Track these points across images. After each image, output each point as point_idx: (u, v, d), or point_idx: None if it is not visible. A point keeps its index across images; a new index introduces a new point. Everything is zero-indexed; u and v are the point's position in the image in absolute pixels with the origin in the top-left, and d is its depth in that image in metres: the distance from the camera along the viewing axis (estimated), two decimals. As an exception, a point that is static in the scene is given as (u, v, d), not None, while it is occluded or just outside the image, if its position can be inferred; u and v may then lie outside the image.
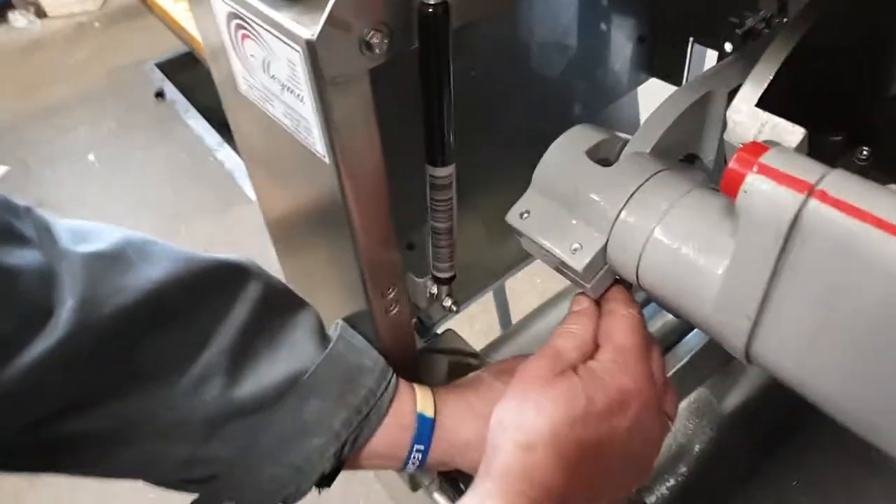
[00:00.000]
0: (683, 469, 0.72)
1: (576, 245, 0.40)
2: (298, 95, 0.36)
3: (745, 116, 0.36)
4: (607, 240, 0.39)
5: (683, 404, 0.74)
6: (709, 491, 0.70)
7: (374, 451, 0.45)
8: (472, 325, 1.64)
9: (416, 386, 0.47)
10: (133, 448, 0.41)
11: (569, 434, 0.39)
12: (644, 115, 0.83)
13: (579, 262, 0.40)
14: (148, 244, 0.41)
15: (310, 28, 0.32)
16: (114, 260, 0.39)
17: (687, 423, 0.73)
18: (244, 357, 0.42)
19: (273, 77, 0.38)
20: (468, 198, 0.63)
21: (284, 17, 0.34)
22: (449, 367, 0.69)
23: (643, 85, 0.79)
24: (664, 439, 0.45)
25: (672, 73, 0.76)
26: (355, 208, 0.39)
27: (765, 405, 0.74)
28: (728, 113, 0.37)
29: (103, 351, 0.38)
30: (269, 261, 0.54)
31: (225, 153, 2.46)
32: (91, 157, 2.53)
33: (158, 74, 2.82)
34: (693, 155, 0.46)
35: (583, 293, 0.45)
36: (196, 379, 0.40)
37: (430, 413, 0.46)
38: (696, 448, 0.73)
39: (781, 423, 0.72)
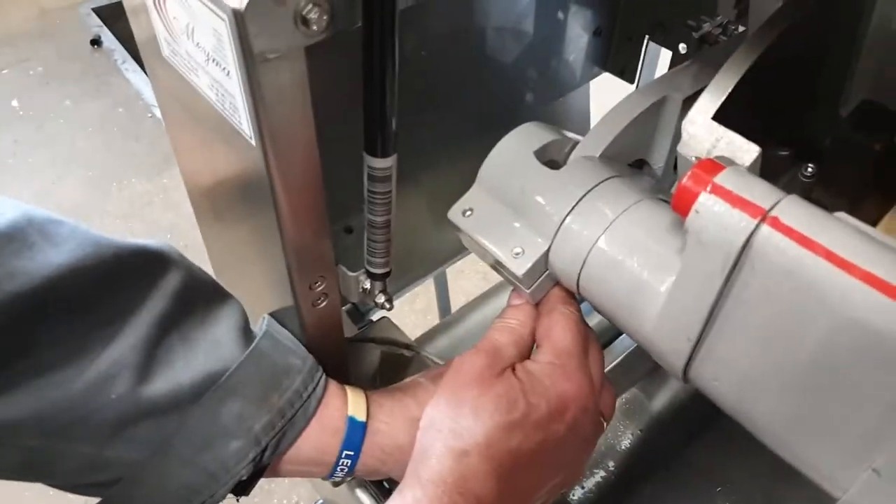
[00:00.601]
0: (610, 468, 0.72)
1: (518, 249, 0.38)
2: (224, 69, 0.33)
3: (701, 129, 0.34)
4: (550, 245, 0.38)
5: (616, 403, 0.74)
6: (633, 491, 0.71)
7: (299, 457, 0.42)
8: (413, 303, 1.61)
9: (348, 388, 0.44)
10: (25, 447, 0.37)
11: (505, 441, 0.37)
12: (595, 110, 0.82)
13: (520, 268, 0.38)
14: (53, 224, 0.36)
15: (238, -5, 0.29)
16: (10, 240, 0.34)
17: (617, 423, 0.73)
18: (158, 352, 0.38)
19: (198, 45, 0.34)
20: (412, 180, 0.61)
21: (211, -20, 0.30)
22: (381, 357, 0.67)
23: (595, 79, 0.77)
24: (598, 439, 0.44)
25: (626, 70, 0.75)
26: (283, 195, 0.36)
27: (695, 407, 0.75)
28: (683, 124, 0.35)
29: None
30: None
31: (163, 110, 2.35)
32: (14, 102, 2.37)
33: (95, 20, 2.66)
34: (642, 160, 0.45)
35: (519, 292, 0.43)
36: (101, 374, 0.36)
37: (361, 417, 0.43)
38: (624, 447, 0.73)
39: (710, 427, 0.72)
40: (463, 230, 0.40)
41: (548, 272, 0.39)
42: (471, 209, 0.40)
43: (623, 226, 0.36)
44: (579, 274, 0.37)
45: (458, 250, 0.73)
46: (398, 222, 0.42)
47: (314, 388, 0.42)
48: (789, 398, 0.30)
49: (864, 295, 0.26)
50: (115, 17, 2.67)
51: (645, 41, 0.72)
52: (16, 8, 2.75)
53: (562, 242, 0.37)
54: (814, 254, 0.27)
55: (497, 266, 0.41)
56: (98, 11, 2.69)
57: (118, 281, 0.38)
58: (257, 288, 0.48)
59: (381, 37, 0.31)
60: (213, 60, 0.33)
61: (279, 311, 0.45)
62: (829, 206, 0.46)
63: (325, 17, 0.30)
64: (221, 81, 0.34)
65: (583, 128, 0.79)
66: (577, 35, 0.71)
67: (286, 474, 0.43)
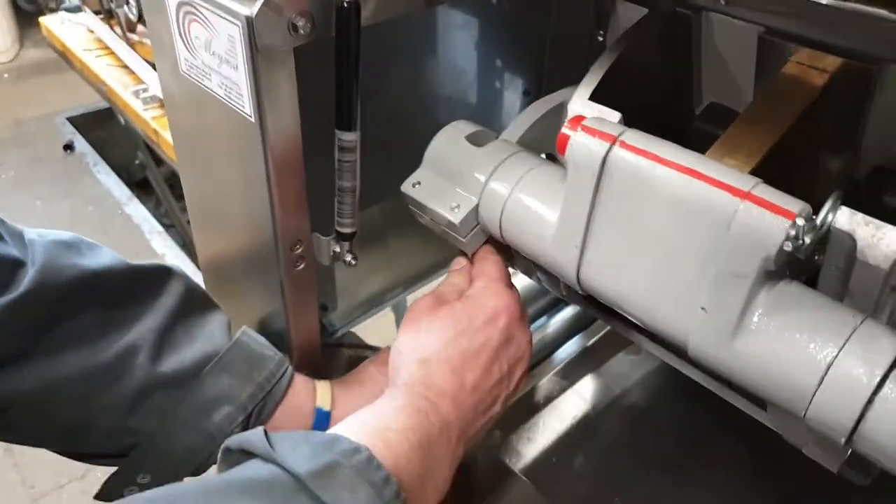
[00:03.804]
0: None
1: (454, 205, 0.50)
2: (234, 65, 0.45)
3: (580, 106, 0.48)
4: (478, 201, 0.50)
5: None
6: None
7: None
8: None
9: (317, 382, 0.56)
10: (63, 414, 0.47)
11: (455, 345, 0.48)
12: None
13: (457, 217, 0.50)
14: (96, 244, 0.51)
15: (249, 8, 0.42)
16: (70, 246, 0.49)
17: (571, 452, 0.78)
18: (168, 337, 0.50)
19: (213, 53, 0.47)
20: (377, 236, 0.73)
21: (227, 0, 0.43)
22: (348, 360, 0.76)
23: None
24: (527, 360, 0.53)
25: (551, 122, 0.91)
26: (273, 164, 0.48)
27: (652, 439, 0.81)
28: (568, 105, 0.49)
29: (54, 311, 0.46)
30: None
31: (134, 207, 2.45)
32: (-13, 204, 2.45)
33: (69, 128, 2.81)
34: (552, 155, 0.58)
35: (460, 258, 0.55)
36: (128, 346, 0.48)
37: (327, 407, 0.54)
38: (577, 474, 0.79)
39: (665, 458, 0.78)
40: (413, 198, 0.52)
41: (479, 226, 0.51)
42: (419, 182, 0.53)
43: (528, 181, 0.49)
44: (500, 220, 0.49)
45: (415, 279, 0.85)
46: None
47: (284, 371, 0.53)
48: (645, 273, 0.41)
49: (680, 179, 0.38)
50: (88, 125, 2.83)
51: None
52: (-9, 119, 2.89)
53: (487, 197, 0.50)
54: (647, 159, 0.39)
55: (444, 229, 0.53)
56: (72, 120, 2.84)
57: (139, 282, 0.51)
58: (244, 264, 0.58)
59: (348, 40, 0.44)
60: (226, 61, 0.46)
61: (263, 321, 0.57)
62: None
63: (308, 25, 0.44)
64: (230, 76, 0.46)
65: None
66: (510, 95, 0.87)
67: None
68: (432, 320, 0.49)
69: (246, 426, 0.51)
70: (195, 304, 0.53)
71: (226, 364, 0.51)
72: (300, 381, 0.54)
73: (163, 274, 0.52)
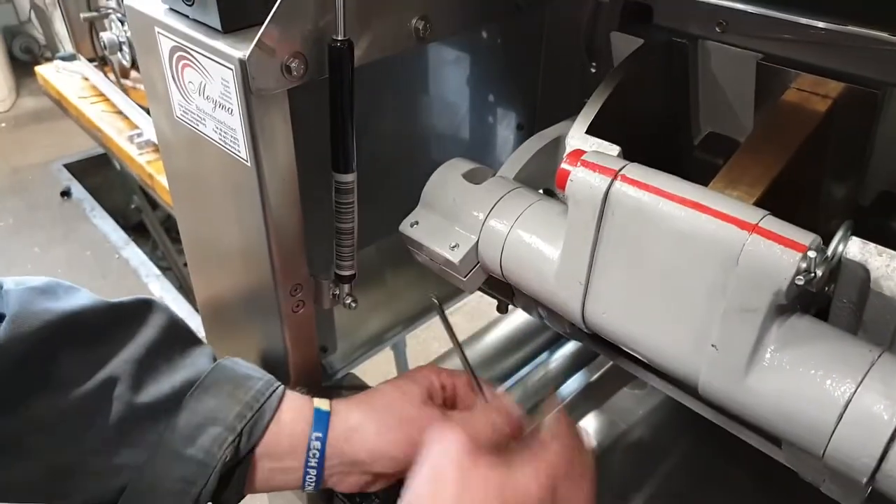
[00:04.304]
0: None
1: (454, 244, 0.49)
2: (229, 109, 0.45)
3: (578, 140, 0.47)
4: (478, 239, 0.49)
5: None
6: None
7: (278, 448, 0.50)
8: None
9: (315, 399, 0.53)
10: (45, 459, 0.45)
11: None
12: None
13: (457, 256, 0.49)
14: (74, 287, 0.50)
15: (242, 51, 0.42)
16: (45, 291, 0.47)
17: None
18: (147, 368, 0.49)
19: (207, 98, 0.46)
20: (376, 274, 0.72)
21: (220, 44, 0.43)
22: (349, 402, 0.75)
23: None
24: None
25: (546, 155, 0.90)
26: (271, 208, 0.47)
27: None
28: (566, 140, 0.48)
29: (28, 358, 0.45)
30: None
31: (131, 251, 2.44)
32: (-17, 252, 2.44)
33: (66, 174, 2.81)
34: (550, 190, 0.57)
35: (502, 391, 0.53)
36: (104, 380, 0.47)
37: (326, 407, 0.51)
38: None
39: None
40: (412, 238, 0.51)
41: (479, 264, 0.50)
42: (416, 221, 0.52)
43: (528, 217, 0.48)
44: (501, 257, 0.48)
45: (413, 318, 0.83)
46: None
47: (274, 390, 0.50)
48: (652, 310, 0.40)
49: (685, 213, 0.37)
50: (85, 171, 2.84)
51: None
52: (-12, 167, 2.90)
53: (486, 235, 0.49)
54: (649, 192, 0.39)
55: (443, 267, 0.52)
56: (69, 166, 2.85)
57: (118, 318, 0.49)
58: (244, 312, 0.57)
59: (342, 80, 0.44)
60: (220, 105, 0.45)
61: (263, 364, 0.55)
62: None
63: (302, 67, 0.43)
64: (225, 121, 0.46)
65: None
66: (504, 130, 0.87)
67: (264, 481, 0.50)
68: (459, 483, 0.42)
69: (238, 447, 0.48)
70: (178, 336, 0.51)
71: (208, 386, 0.49)
72: (293, 396, 0.51)
73: (144, 307, 0.51)
